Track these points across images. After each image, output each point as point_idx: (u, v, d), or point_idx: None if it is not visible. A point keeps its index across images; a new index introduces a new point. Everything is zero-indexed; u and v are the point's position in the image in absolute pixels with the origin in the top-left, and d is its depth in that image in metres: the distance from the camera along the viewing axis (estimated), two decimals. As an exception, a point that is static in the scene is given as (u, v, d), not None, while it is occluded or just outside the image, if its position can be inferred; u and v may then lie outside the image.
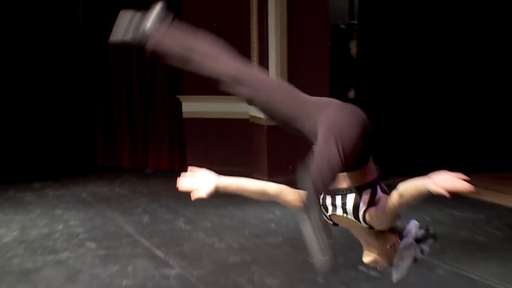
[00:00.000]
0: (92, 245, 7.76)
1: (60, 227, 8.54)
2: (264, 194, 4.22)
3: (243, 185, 4.20)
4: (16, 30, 12.29)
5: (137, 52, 11.73)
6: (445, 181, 3.76)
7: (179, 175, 11.22)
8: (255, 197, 4.25)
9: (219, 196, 9.96)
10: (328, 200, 4.04)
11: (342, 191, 3.98)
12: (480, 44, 11.36)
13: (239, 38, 10.86)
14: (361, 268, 6.66)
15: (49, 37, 12.47)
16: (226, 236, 8.05)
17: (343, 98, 11.53)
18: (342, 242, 7.35)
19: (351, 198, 3.96)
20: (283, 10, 10.37)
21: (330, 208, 4.04)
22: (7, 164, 12.26)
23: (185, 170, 11.46)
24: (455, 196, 9.67)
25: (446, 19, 11.30)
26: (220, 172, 11.76)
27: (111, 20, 12.36)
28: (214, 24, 11.02)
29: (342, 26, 12.37)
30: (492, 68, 11.53)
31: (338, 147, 3.67)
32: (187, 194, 10.56)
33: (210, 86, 11.61)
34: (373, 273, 6.53)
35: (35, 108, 12.60)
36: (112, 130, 12.42)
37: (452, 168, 10.59)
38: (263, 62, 10.59)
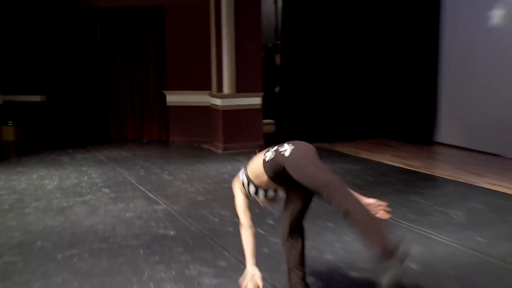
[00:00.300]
0: (106, 190, 7.70)
1: (85, 178, 8.46)
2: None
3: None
4: (63, 48, 12.25)
5: (137, 64, 11.89)
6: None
7: (165, 144, 10.89)
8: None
9: (190, 157, 9.95)
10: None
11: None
12: (361, 58, 11.40)
13: (204, 53, 10.90)
14: None
15: (79, 51, 12.32)
16: (195, 183, 7.98)
17: (271, 92, 11.59)
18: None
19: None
20: (231, 34, 10.28)
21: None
22: (51, 137, 12.15)
23: (168, 140, 11.30)
24: (344, 154, 9.73)
25: (339, 37, 11.29)
26: (191, 141, 11.62)
27: (119, 41, 12.20)
28: (187, 44, 11.04)
29: (269, 45, 12.36)
30: (366, 73, 11.50)
31: None
32: (170, 156, 10.55)
33: (184, 84, 11.58)
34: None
35: (71, 100, 12.42)
36: (120, 113, 12.19)
37: (342, 135, 10.47)
38: (220, 68, 10.48)
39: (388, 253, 3.25)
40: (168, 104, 11.46)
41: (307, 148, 3.91)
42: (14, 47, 12.46)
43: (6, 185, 8.06)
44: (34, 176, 8.63)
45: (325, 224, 5.91)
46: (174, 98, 11.36)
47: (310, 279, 4.49)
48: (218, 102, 10.51)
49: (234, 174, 8.17)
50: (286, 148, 3.84)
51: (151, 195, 7.36)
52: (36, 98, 12.41)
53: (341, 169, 8.56)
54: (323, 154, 9.39)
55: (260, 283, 3.60)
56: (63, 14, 12.14)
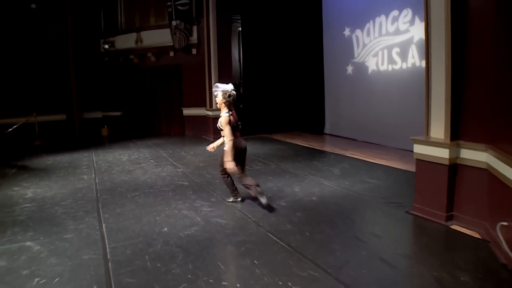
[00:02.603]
0: (152, 161, 7.48)
1: (141, 155, 8.18)
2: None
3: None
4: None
5: (167, 94, 11.62)
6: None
7: (183, 136, 10.55)
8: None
9: (196, 143, 9.75)
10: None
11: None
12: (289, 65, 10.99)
13: (202, 86, 10.68)
14: (247, 167, 6.23)
15: (139, 88, 11.70)
16: (199, 156, 7.70)
17: (238, 108, 11.43)
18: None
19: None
20: (216, 76, 9.92)
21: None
22: (125, 134, 11.90)
23: (184, 134, 10.93)
24: (278, 140, 9.58)
25: (271, 71, 10.90)
26: (197, 134, 11.24)
27: (159, 83, 11.87)
28: (193, 83, 10.93)
29: (237, 82, 12.23)
30: (288, 92, 11.10)
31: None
32: (185, 142, 10.42)
33: (192, 103, 11.31)
34: (250, 168, 6.41)
35: (135, 114, 11.83)
36: (159, 120, 11.76)
37: (278, 130, 10.33)
38: (210, 95, 10.02)
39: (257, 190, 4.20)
40: (184, 114, 11.27)
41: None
42: (107, 85, 12.22)
43: (103, 158, 8.01)
44: (116, 154, 8.54)
45: (268, 178, 5.85)
46: (187, 111, 11.10)
47: (258, 206, 4.49)
48: (209, 113, 10.26)
49: (217, 152, 7.95)
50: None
51: (175, 163, 7.22)
52: (117, 113, 12.31)
53: (276, 149, 8.23)
54: (266, 141, 10.07)
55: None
56: (131, 70, 12.08)
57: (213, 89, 4.49)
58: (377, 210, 4.37)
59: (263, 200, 4.27)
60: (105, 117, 12.51)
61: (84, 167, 7.16)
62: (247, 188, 4.44)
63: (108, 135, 12.03)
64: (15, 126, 9.57)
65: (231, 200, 4.77)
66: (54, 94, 11.55)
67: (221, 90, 4.41)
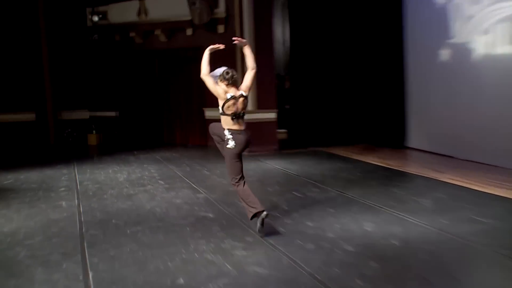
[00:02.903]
0: (161, 182, 7.69)
1: (146, 173, 8.49)
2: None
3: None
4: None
5: (183, 88, 11.99)
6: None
7: (204, 148, 10.92)
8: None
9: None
10: None
11: None
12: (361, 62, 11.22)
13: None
14: (295, 193, 6.62)
15: (143, 79, 12.43)
16: (227, 177, 7.69)
17: (283, 109, 11.57)
18: (285, 180, 7.64)
19: None
20: None
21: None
22: (122, 141, 12.37)
23: (206, 144, 11.20)
24: (339, 156, 9.64)
25: (331, 65, 11.21)
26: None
27: (171, 72, 12.37)
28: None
29: (281, 74, 12.36)
30: (353, 93, 11.31)
31: None
32: (208, 156, 10.59)
33: (214, 106, 11.57)
34: (301, 195, 6.52)
35: (136, 114, 12.58)
36: (172, 124, 12.25)
37: (338, 142, 10.38)
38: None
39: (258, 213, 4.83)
40: (206, 117, 11.40)
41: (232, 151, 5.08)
42: (97, 75, 12.74)
43: (91, 177, 8.20)
44: (110, 171, 8.74)
45: (327, 209, 5.83)
46: (211, 113, 11.18)
47: (315, 251, 4.47)
48: (244, 116, 10.42)
49: (256, 170, 8.31)
50: (230, 144, 5.04)
51: (194, 186, 7.32)
52: (112, 114, 12.69)
53: (338, 167, 8.38)
54: (323, 156, 9.87)
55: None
56: (131, 53, 12.37)
57: (213, 76, 5.09)
58: (496, 265, 4.15)
59: (259, 226, 4.91)
60: (93, 118, 12.73)
61: (63, 189, 7.28)
62: (244, 204, 5.04)
63: (98, 144, 12.31)
64: None
65: (250, 215, 5.00)
66: (18, 84, 11.76)
67: (218, 73, 5.07)
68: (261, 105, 10.43)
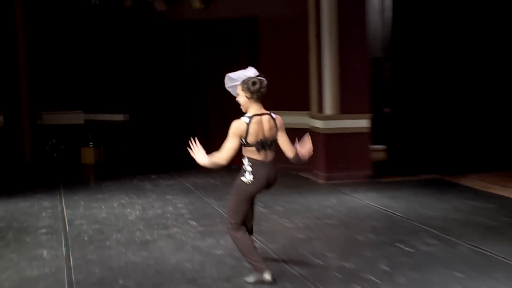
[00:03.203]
0: (193, 223, 7.73)
1: (170, 208, 8.56)
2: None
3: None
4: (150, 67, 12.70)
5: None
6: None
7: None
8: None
9: (287, 187, 9.88)
10: None
11: None
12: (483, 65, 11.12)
13: (302, 68, 10.93)
14: (400, 245, 6.57)
15: (166, 66, 12.70)
16: (294, 218, 7.91)
17: (381, 113, 11.37)
18: (385, 224, 7.63)
19: None
20: (334, 47, 10.29)
21: None
22: (133, 159, 12.54)
23: None
24: (471, 189, 9.40)
25: (458, 49, 11.08)
26: (287, 169, 11.62)
27: (209, 55, 12.49)
28: (284, 59, 11.16)
29: (378, 58, 12.13)
30: (493, 90, 11.19)
31: None
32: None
33: (279, 103, 11.63)
34: (410, 249, 6.44)
35: (156, 118, 12.82)
36: (209, 135, 12.29)
37: (470, 167, 10.14)
38: (320, 86, 10.51)
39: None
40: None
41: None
42: (96, 61, 12.93)
43: (86, 214, 8.25)
44: (115, 204, 8.81)
45: (452, 273, 5.68)
46: None
47: None
48: (319, 124, 10.43)
49: (338, 208, 8.21)
50: (247, 178, 5.62)
51: None
52: (119, 117, 12.89)
53: (469, 207, 8.36)
54: (444, 188, 9.95)
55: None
56: (149, 27, 12.56)
57: (227, 85, 5.72)
58: None
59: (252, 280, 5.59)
60: (90, 124, 13.01)
61: (43, 231, 7.44)
62: (243, 256, 5.64)
63: (97, 163, 12.55)
64: None
65: (252, 279, 5.59)
66: None
67: (240, 80, 5.54)
68: (345, 108, 10.44)
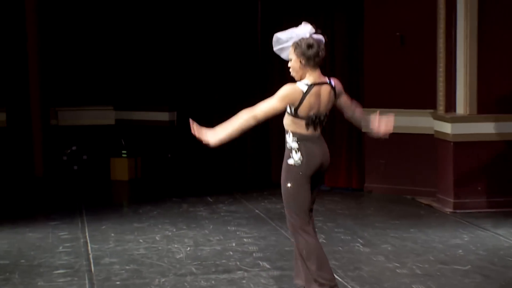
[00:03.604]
0: (266, 264, 7.79)
1: (233, 244, 8.66)
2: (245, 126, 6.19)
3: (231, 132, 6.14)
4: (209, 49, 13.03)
5: None
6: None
7: (357, 194, 11.24)
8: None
9: (399, 217, 9.94)
10: None
11: None
12: None
13: (424, 47, 10.96)
14: None
15: (229, 45, 13.00)
16: (408, 261, 7.90)
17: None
18: None
19: None
20: (473, 18, 10.25)
21: None
22: (181, 178, 12.70)
23: (362, 188, 11.35)
24: None
25: None
26: (399, 191, 11.67)
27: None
28: (397, 34, 11.16)
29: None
30: None
31: None
32: (366, 214, 10.62)
33: (390, 98, 11.73)
34: None
35: (212, 120, 12.81)
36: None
37: None
38: (450, 72, 10.54)
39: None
40: (363, 130, 11.46)
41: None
42: (132, 40, 13.22)
43: (118, 249, 8.41)
44: (157, 237, 8.99)
45: None
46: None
47: None
48: (447, 128, 10.47)
49: (473, 249, 8.21)
50: (294, 158, 6.10)
51: (336, 277, 7.12)
52: (163, 116, 13.21)
53: None
54: None
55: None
56: None
57: (275, 47, 6.28)
58: None
59: None
60: (123, 125, 13.42)
61: (60, 271, 7.66)
62: (304, 268, 6.12)
63: (132, 179, 12.88)
64: None
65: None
66: None
67: (291, 40, 6.05)
68: (487, 105, 10.45)
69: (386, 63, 11.28)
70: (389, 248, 8.42)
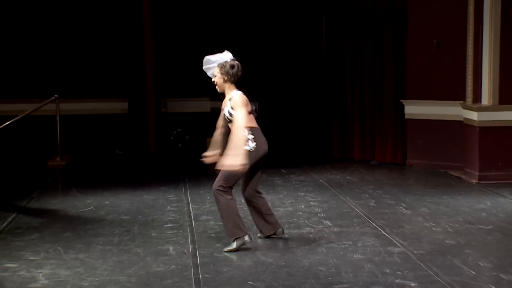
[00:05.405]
0: (328, 222, 7.80)
1: (302, 206, 8.66)
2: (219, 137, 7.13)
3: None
4: (280, 51, 12.96)
5: (369, 65, 12.06)
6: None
7: (400, 168, 11.04)
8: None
9: (434, 186, 9.77)
10: None
11: None
12: None
13: (457, 51, 10.76)
14: None
15: (299, 49, 12.89)
16: (441, 221, 7.82)
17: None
18: None
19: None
20: (496, 27, 10.05)
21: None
22: (269, 153, 12.66)
23: (405, 163, 11.14)
24: None
25: None
26: (434, 166, 11.46)
27: (349, 37, 12.50)
28: (434, 40, 11.01)
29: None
30: None
31: None
32: (407, 184, 10.47)
33: (429, 92, 11.50)
34: None
35: (287, 108, 13.04)
36: (346, 127, 12.46)
37: None
38: (477, 70, 10.34)
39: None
40: (406, 117, 11.48)
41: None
42: (223, 45, 13.07)
43: (212, 209, 8.39)
44: (242, 200, 8.92)
45: None
46: (414, 109, 11.38)
47: None
48: (473, 116, 10.30)
49: (494, 212, 8.07)
50: (250, 145, 6.72)
51: (384, 233, 7.34)
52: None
53: None
54: None
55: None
56: (282, 6, 12.78)
57: (204, 66, 6.88)
58: None
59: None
60: (216, 112, 13.24)
61: (168, 225, 7.82)
62: (224, 221, 6.80)
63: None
64: (7, 123, 11.25)
65: (232, 247, 6.64)
66: (101, 55, 13.20)
67: (217, 62, 6.75)
68: (507, 96, 10.23)
69: (425, 64, 11.14)
70: (426, 211, 8.37)
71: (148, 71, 13.30)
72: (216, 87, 6.83)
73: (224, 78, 6.69)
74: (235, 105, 6.58)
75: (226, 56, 6.77)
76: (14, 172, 11.48)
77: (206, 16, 13.35)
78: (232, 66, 6.67)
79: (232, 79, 6.71)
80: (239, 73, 6.73)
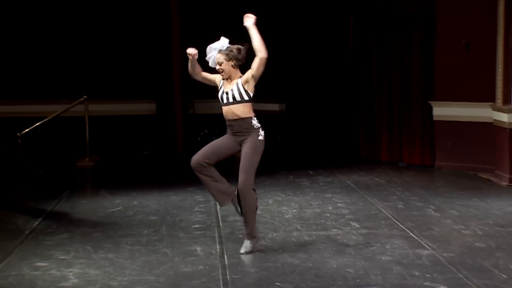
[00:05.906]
0: (355, 224, 7.82)
1: (330, 207, 8.66)
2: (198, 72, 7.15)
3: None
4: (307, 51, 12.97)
5: (396, 66, 12.01)
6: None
7: (429, 170, 11.02)
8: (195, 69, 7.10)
9: (464, 188, 9.68)
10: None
11: None
12: None
13: (487, 52, 10.69)
14: None
15: (327, 51, 12.90)
16: (471, 224, 7.77)
17: None
18: None
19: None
20: None
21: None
22: (288, 155, 12.77)
23: (433, 165, 11.09)
24: None
25: None
26: (464, 168, 11.40)
27: (376, 38, 12.48)
28: (463, 41, 10.92)
29: None
30: None
31: None
32: (436, 186, 10.43)
33: (457, 93, 11.45)
34: None
35: (315, 109, 13.04)
36: (373, 128, 12.43)
37: None
38: (507, 72, 10.26)
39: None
40: (435, 118, 11.40)
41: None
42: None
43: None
44: (270, 201, 9.07)
45: None
46: (443, 111, 11.29)
47: None
48: (503, 117, 10.19)
49: None
50: (262, 135, 7.28)
51: (412, 235, 7.32)
52: (274, 107, 13.24)
53: None
54: None
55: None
56: (309, 8, 12.78)
57: (208, 56, 6.86)
58: None
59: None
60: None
61: (196, 226, 7.89)
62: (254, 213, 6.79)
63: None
64: (37, 124, 11.39)
65: (251, 247, 6.71)
66: (129, 55, 13.34)
67: (219, 48, 6.78)
68: None
69: (454, 65, 11.06)
70: (455, 213, 8.32)
71: (175, 72, 13.34)
72: (222, 73, 6.80)
73: (233, 63, 6.71)
74: (248, 73, 6.70)
75: (225, 42, 6.81)
76: (44, 172, 11.55)
77: (234, 17, 13.32)
78: (239, 50, 6.69)
79: (239, 63, 6.72)
80: (245, 55, 6.73)
